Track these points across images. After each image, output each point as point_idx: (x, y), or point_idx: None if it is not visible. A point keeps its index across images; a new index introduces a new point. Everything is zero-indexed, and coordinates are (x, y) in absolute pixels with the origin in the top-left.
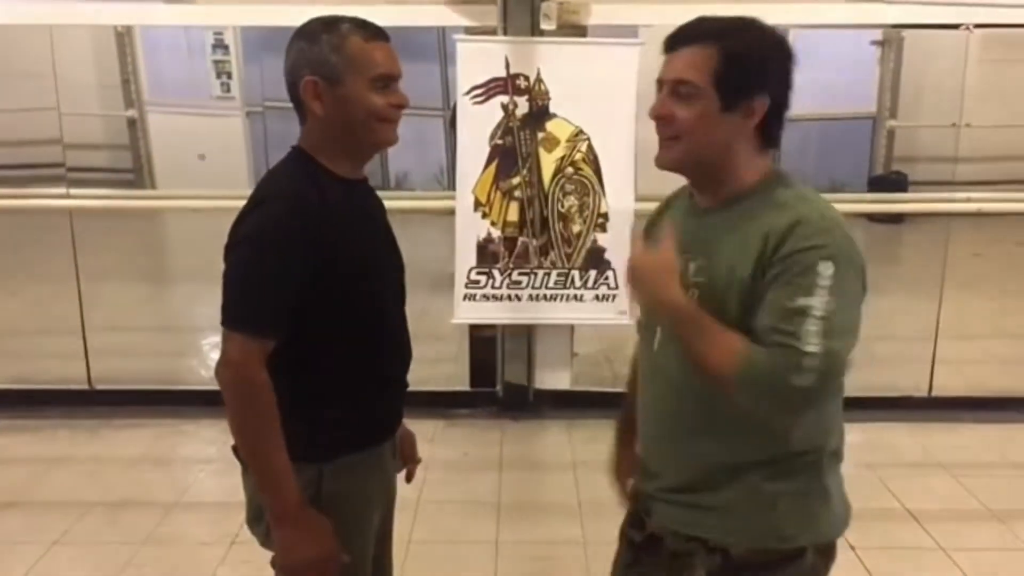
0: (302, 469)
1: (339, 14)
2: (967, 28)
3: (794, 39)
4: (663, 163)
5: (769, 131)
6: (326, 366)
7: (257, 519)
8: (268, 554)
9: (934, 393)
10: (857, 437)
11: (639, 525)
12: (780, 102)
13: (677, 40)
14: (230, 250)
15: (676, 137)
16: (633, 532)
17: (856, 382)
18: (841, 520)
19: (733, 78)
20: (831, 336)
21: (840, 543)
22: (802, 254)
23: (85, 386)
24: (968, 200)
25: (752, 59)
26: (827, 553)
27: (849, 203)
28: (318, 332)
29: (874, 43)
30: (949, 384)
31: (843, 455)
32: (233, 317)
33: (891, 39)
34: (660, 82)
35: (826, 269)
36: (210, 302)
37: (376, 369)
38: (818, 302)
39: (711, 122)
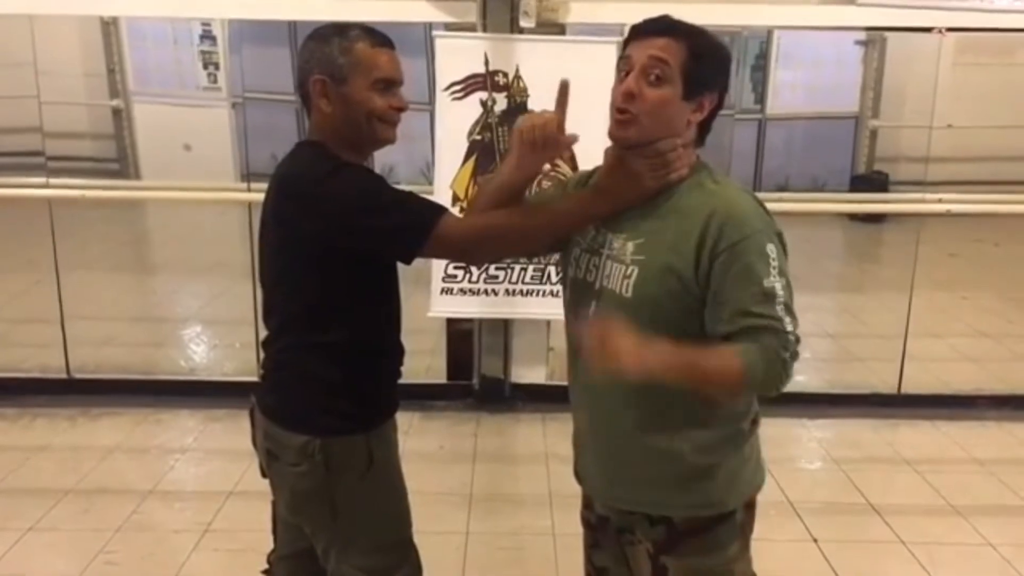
0: (354, 440)
1: (351, 21)
2: (940, 32)
3: (778, 39)
4: (620, 137)
5: (706, 129)
6: (376, 349)
7: (304, 503)
8: (240, 542)
9: (903, 390)
10: (826, 432)
11: (591, 505)
12: (721, 104)
13: (648, 30)
14: (353, 213)
15: (636, 116)
16: (587, 513)
17: (827, 378)
18: (760, 476)
19: (696, 71)
20: (792, 314)
21: (802, 534)
22: (751, 239)
23: (64, 375)
24: (939, 201)
25: (713, 60)
26: (751, 506)
27: (821, 203)
28: (370, 317)
29: (858, 43)
30: (918, 381)
31: (760, 420)
32: (423, 222)
33: (874, 39)
34: (628, 61)
35: (772, 251)
36: (190, 292)
37: (398, 347)
38: (777, 284)
39: (671, 106)
